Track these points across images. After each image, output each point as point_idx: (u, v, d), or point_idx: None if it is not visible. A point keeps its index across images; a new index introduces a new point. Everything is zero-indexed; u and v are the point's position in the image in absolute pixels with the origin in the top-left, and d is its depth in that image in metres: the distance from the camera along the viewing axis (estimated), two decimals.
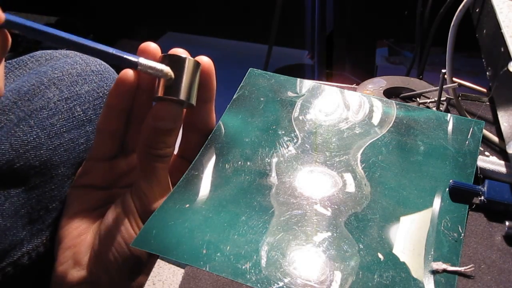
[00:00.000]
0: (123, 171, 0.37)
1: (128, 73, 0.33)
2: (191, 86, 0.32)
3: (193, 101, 0.33)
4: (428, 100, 0.50)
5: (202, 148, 0.36)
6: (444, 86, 0.45)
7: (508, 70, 0.37)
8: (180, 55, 0.32)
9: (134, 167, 0.37)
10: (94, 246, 0.33)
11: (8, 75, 0.37)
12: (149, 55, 0.32)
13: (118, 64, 0.31)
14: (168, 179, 0.34)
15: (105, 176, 0.36)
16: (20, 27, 0.28)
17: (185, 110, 0.36)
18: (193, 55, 0.34)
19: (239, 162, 0.36)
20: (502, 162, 0.38)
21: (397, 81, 0.54)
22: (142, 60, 0.31)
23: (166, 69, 0.31)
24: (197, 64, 0.33)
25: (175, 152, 0.37)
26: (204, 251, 0.30)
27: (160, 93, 0.32)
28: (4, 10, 0.28)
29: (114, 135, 0.35)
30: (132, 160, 0.37)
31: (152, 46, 0.33)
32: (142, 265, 0.33)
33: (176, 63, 0.32)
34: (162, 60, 0.32)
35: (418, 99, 0.51)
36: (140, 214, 0.32)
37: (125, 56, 0.31)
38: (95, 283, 0.32)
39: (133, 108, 0.35)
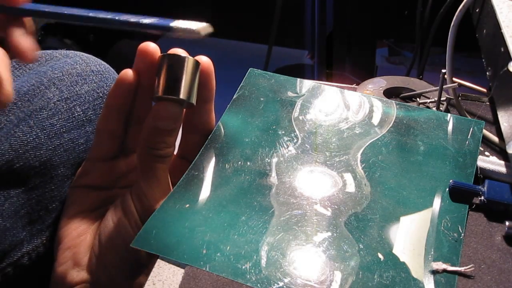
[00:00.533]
0: (122, 171, 0.37)
1: (128, 73, 0.33)
2: (191, 85, 0.32)
3: (193, 100, 0.33)
4: (428, 100, 0.50)
5: (202, 148, 0.36)
6: (444, 86, 0.45)
7: (508, 70, 0.37)
8: (180, 54, 0.32)
9: (134, 168, 0.37)
10: (94, 246, 0.33)
11: None
12: (149, 55, 0.32)
13: (149, 30, 0.30)
14: (169, 179, 0.34)
15: (104, 176, 0.36)
16: (40, 13, 0.29)
17: (184, 110, 0.36)
18: (193, 55, 0.34)
19: (239, 162, 0.36)
20: (502, 162, 0.38)
21: (397, 81, 0.54)
22: (174, 24, 0.30)
23: (199, 26, 0.30)
24: (196, 64, 0.33)
25: (175, 152, 0.37)
26: (204, 251, 0.30)
27: (160, 92, 0.32)
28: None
29: (114, 135, 0.35)
30: (132, 160, 0.37)
31: (151, 46, 0.33)
32: (142, 265, 0.33)
33: (176, 63, 0.32)
34: (161, 60, 0.32)
35: (418, 99, 0.51)
36: (140, 215, 0.32)
37: (157, 23, 0.30)
38: (95, 283, 0.32)
39: (133, 108, 0.35)
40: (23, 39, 0.29)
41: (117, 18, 0.30)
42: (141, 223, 0.32)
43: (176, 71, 0.32)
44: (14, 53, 0.29)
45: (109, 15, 0.30)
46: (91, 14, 0.29)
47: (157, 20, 0.30)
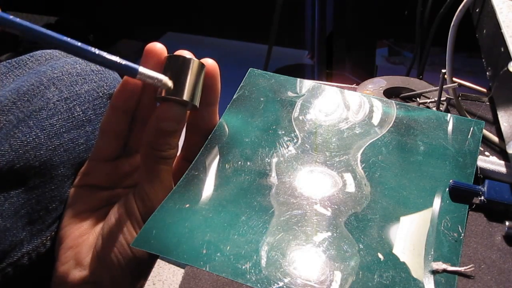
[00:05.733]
0: (126, 171, 0.37)
1: None
2: (195, 88, 0.32)
3: (197, 103, 0.33)
4: (428, 100, 0.50)
5: (202, 148, 0.36)
6: (444, 86, 0.45)
7: (508, 70, 0.37)
8: (185, 56, 0.32)
9: (137, 168, 0.37)
10: (96, 246, 0.33)
11: (7, 75, 0.37)
12: (155, 56, 0.32)
13: (117, 71, 0.31)
14: (171, 181, 0.34)
15: (107, 176, 0.36)
16: (15, 26, 0.28)
17: (188, 112, 0.36)
18: (194, 55, 0.34)
19: (239, 162, 0.36)
20: (502, 162, 0.38)
21: (397, 81, 0.54)
22: (141, 69, 0.31)
23: (165, 79, 0.31)
24: (201, 66, 0.33)
25: (178, 154, 0.37)
26: (204, 251, 0.30)
27: (163, 93, 0.32)
28: (4, 10, 0.28)
29: (117, 135, 0.35)
30: (135, 160, 0.37)
31: (158, 46, 0.33)
32: (144, 266, 0.33)
33: (181, 64, 0.32)
34: (167, 61, 0.32)
35: (418, 99, 0.51)
36: (142, 216, 0.32)
37: (124, 63, 0.31)
38: (97, 283, 0.32)
39: (138, 109, 0.35)
40: None
41: (91, 50, 0.29)
42: (143, 224, 0.32)
43: (181, 72, 0.32)
44: None
45: (81, 45, 0.29)
46: (65, 39, 0.29)
47: (125, 61, 0.31)
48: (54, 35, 0.29)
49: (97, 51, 0.30)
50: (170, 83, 0.31)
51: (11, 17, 0.28)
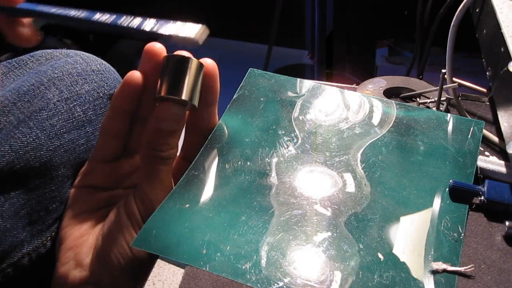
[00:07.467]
0: (126, 172, 0.37)
1: (135, 74, 0.33)
2: (194, 87, 0.32)
3: (196, 102, 0.33)
4: (428, 100, 0.50)
5: (202, 148, 0.36)
6: (444, 86, 0.45)
7: (508, 70, 0.37)
8: (184, 55, 0.32)
9: (137, 168, 0.37)
10: (96, 247, 0.33)
11: (8, 75, 0.37)
12: (155, 56, 0.32)
13: (147, 37, 0.33)
14: (172, 181, 0.34)
15: (108, 177, 0.36)
16: (44, 14, 0.29)
17: (188, 112, 0.36)
18: (193, 54, 0.34)
19: (239, 162, 0.36)
20: (502, 162, 0.38)
21: (397, 81, 0.55)
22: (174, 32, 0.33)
23: (197, 33, 0.33)
24: (200, 66, 0.33)
25: (178, 154, 0.37)
26: (204, 251, 0.30)
27: (162, 92, 0.32)
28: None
29: (118, 136, 0.35)
30: (135, 161, 0.37)
31: (157, 46, 0.33)
32: (144, 266, 0.33)
33: (180, 64, 0.32)
34: (166, 60, 0.32)
35: (418, 99, 0.51)
36: (143, 216, 0.32)
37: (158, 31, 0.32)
38: (97, 284, 0.32)
39: (138, 109, 0.35)
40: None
41: (118, 22, 0.31)
42: (143, 225, 0.32)
43: (180, 72, 0.32)
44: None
45: (105, 18, 0.30)
46: (90, 15, 0.30)
47: (157, 25, 0.33)
48: (79, 14, 0.29)
49: (126, 21, 0.31)
50: (205, 32, 0.34)
51: (38, 6, 0.29)
